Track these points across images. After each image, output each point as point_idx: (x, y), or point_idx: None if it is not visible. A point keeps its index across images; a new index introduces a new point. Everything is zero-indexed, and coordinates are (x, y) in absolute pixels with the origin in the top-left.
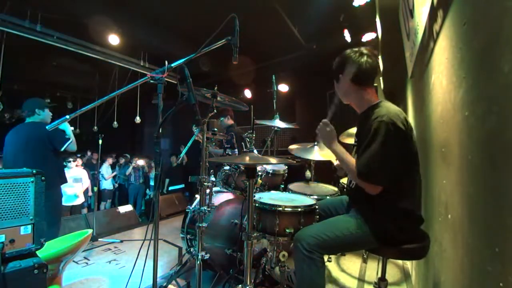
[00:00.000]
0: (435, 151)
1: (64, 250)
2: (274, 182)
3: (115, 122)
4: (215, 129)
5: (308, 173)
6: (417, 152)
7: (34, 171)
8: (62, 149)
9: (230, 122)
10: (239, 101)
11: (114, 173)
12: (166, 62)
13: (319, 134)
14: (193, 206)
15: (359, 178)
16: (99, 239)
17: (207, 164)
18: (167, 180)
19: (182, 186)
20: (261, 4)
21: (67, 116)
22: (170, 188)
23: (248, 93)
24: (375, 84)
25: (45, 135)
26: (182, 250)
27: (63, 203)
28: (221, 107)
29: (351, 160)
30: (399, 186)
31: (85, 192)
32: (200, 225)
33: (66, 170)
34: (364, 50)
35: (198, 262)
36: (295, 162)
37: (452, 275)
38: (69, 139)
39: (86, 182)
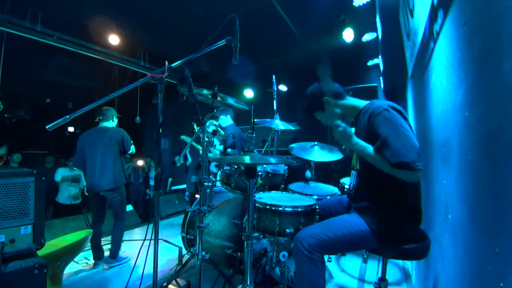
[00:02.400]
0: (435, 151)
1: (64, 250)
2: (274, 182)
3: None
4: (215, 129)
5: (308, 173)
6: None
7: (34, 171)
8: (130, 151)
9: (230, 122)
10: (239, 101)
11: None
12: (166, 62)
13: (336, 137)
14: (193, 206)
15: (399, 168)
16: None
17: (207, 164)
18: (169, 179)
19: (185, 186)
20: (261, 4)
21: (67, 116)
22: (173, 188)
23: (248, 93)
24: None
25: (121, 138)
26: (182, 250)
27: (64, 202)
28: (222, 106)
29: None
30: (403, 182)
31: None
32: (200, 225)
33: (66, 169)
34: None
35: (198, 262)
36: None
37: (452, 275)
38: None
39: (83, 182)
